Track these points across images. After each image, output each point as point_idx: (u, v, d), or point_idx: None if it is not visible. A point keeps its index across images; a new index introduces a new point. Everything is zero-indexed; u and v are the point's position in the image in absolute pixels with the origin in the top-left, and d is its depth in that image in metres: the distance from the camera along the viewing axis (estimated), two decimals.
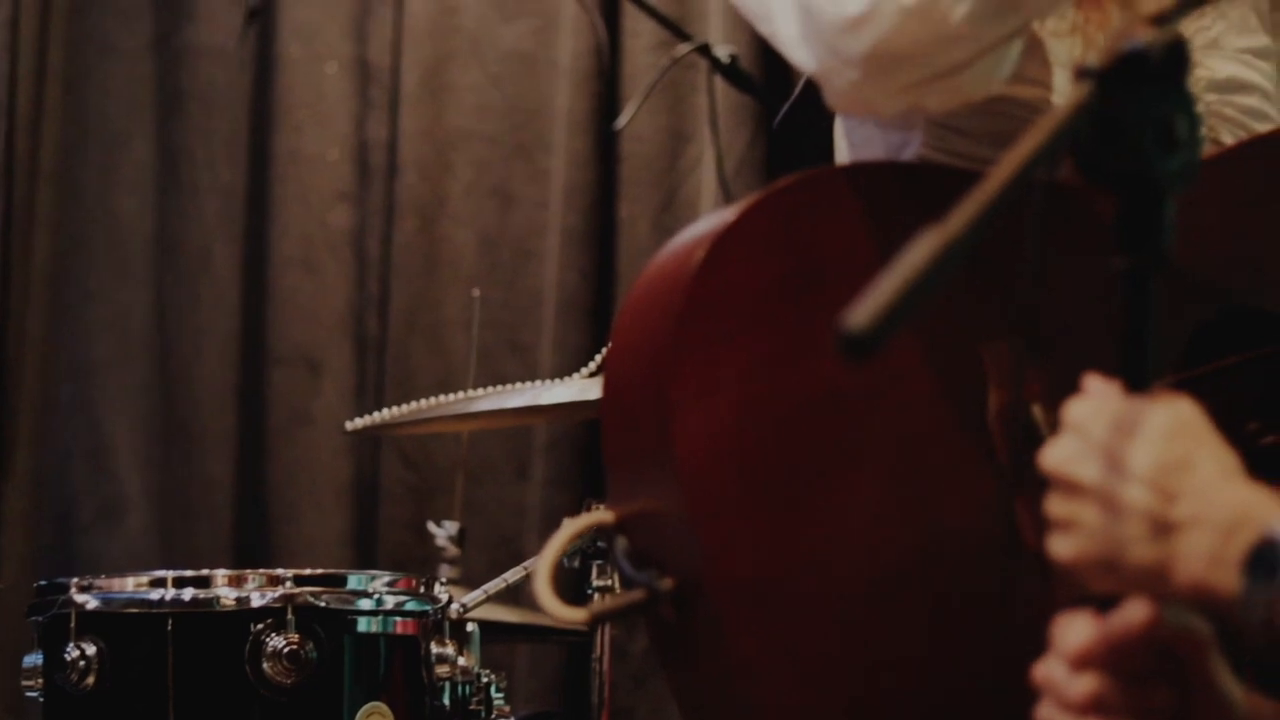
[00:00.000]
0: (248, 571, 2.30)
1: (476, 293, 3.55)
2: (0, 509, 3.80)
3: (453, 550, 3.18)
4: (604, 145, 3.96)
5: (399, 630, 2.37)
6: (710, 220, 1.60)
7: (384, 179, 4.00)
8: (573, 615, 1.54)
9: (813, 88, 1.73)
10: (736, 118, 3.85)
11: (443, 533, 3.21)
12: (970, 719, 1.55)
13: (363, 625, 2.33)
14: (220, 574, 2.30)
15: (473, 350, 3.51)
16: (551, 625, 3.12)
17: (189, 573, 2.30)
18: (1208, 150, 1.61)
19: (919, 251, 1.05)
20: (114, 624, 2.29)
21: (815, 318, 1.54)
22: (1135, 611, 1.17)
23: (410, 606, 2.37)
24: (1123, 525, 1.16)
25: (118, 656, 2.28)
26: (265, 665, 2.23)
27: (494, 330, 3.88)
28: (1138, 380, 1.20)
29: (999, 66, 1.64)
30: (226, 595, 2.27)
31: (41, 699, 2.34)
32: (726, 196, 3.63)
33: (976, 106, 1.69)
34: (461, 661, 2.40)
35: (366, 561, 3.84)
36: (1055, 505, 1.22)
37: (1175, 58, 1.17)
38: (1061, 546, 1.21)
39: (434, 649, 2.38)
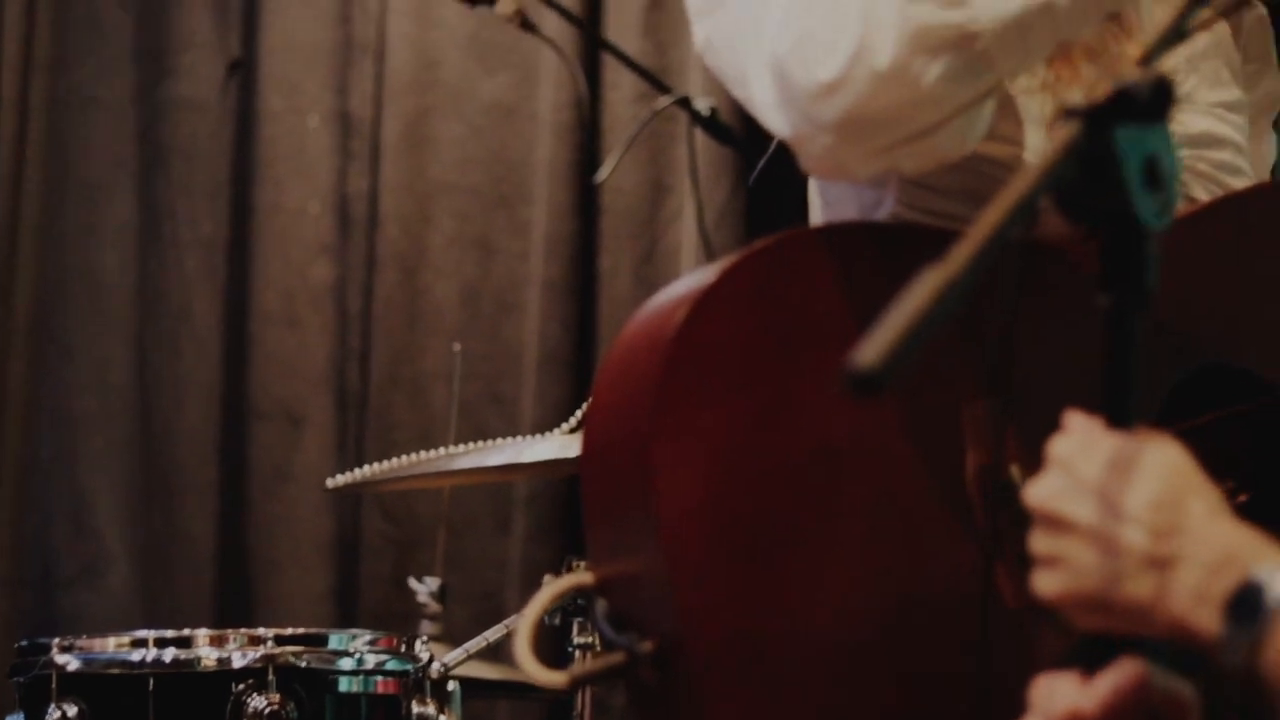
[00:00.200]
0: (229, 631, 2.29)
1: (458, 347, 3.54)
2: None
3: (434, 606, 3.17)
4: (585, 197, 3.96)
5: (380, 690, 2.36)
6: (690, 280, 1.61)
7: (365, 231, 4.00)
8: (553, 679, 1.54)
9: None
10: (717, 169, 3.85)
11: (424, 589, 3.20)
12: None
13: (344, 685, 2.32)
14: (202, 634, 2.29)
15: (454, 404, 3.51)
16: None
17: (170, 633, 2.30)
18: (1181, 207, 1.62)
19: (922, 290, 1.05)
20: (95, 685, 2.28)
21: (795, 377, 1.55)
22: (1124, 673, 1.17)
23: (391, 666, 2.37)
24: (1117, 562, 1.15)
25: (99, 717, 2.27)
26: None
27: (475, 383, 3.87)
28: (1120, 419, 1.20)
29: (973, 127, 1.65)
30: (208, 655, 2.27)
31: None
32: (707, 248, 3.64)
33: (950, 164, 1.69)
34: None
35: (348, 617, 3.83)
36: (1041, 542, 1.20)
37: (1161, 96, 1.18)
38: (1047, 583, 1.20)
39: (415, 708, 2.38)
